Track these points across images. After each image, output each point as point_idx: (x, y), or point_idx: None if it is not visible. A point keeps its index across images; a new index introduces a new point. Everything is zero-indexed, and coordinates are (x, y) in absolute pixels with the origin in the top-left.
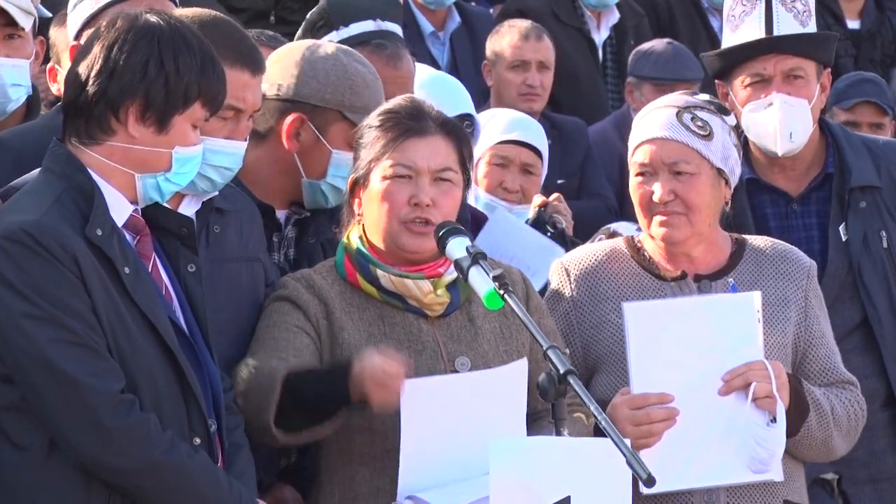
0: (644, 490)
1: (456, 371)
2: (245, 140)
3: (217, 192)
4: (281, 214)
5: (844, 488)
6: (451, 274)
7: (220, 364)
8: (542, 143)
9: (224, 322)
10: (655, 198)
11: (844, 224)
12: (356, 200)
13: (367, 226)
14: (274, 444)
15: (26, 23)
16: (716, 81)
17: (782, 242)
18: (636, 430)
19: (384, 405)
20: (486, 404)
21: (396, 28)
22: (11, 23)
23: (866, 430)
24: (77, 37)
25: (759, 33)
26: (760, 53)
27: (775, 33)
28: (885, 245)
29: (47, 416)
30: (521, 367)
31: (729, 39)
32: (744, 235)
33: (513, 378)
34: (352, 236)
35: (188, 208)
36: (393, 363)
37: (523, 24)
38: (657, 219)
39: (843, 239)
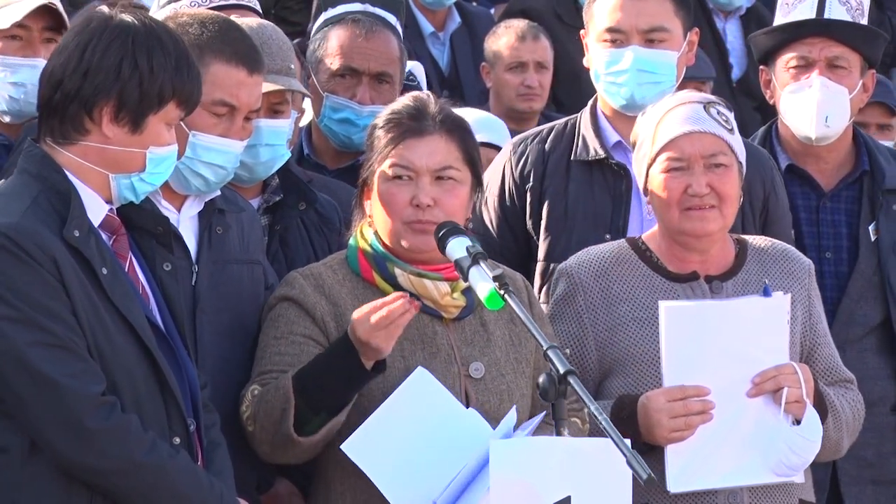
0: (671, 489)
1: (470, 377)
2: (242, 140)
3: (216, 192)
4: (253, 203)
5: (845, 488)
6: None
7: (218, 366)
8: (505, 141)
9: (226, 323)
10: (692, 191)
11: (875, 224)
12: (366, 202)
13: (377, 226)
14: (292, 454)
15: None
16: (760, 67)
17: (779, 241)
18: (672, 421)
19: (388, 336)
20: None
21: (389, 16)
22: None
23: (875, 431)
24: None
25: (810, 16)
26: (808, 35)
27: (825, 17)
28: None
29: (28, 419)
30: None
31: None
32: (742, 235)
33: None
34: (365, 233)
35: (191, 209)
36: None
37: (520, 24)
38: (690, 213)
39: (872, 238)
